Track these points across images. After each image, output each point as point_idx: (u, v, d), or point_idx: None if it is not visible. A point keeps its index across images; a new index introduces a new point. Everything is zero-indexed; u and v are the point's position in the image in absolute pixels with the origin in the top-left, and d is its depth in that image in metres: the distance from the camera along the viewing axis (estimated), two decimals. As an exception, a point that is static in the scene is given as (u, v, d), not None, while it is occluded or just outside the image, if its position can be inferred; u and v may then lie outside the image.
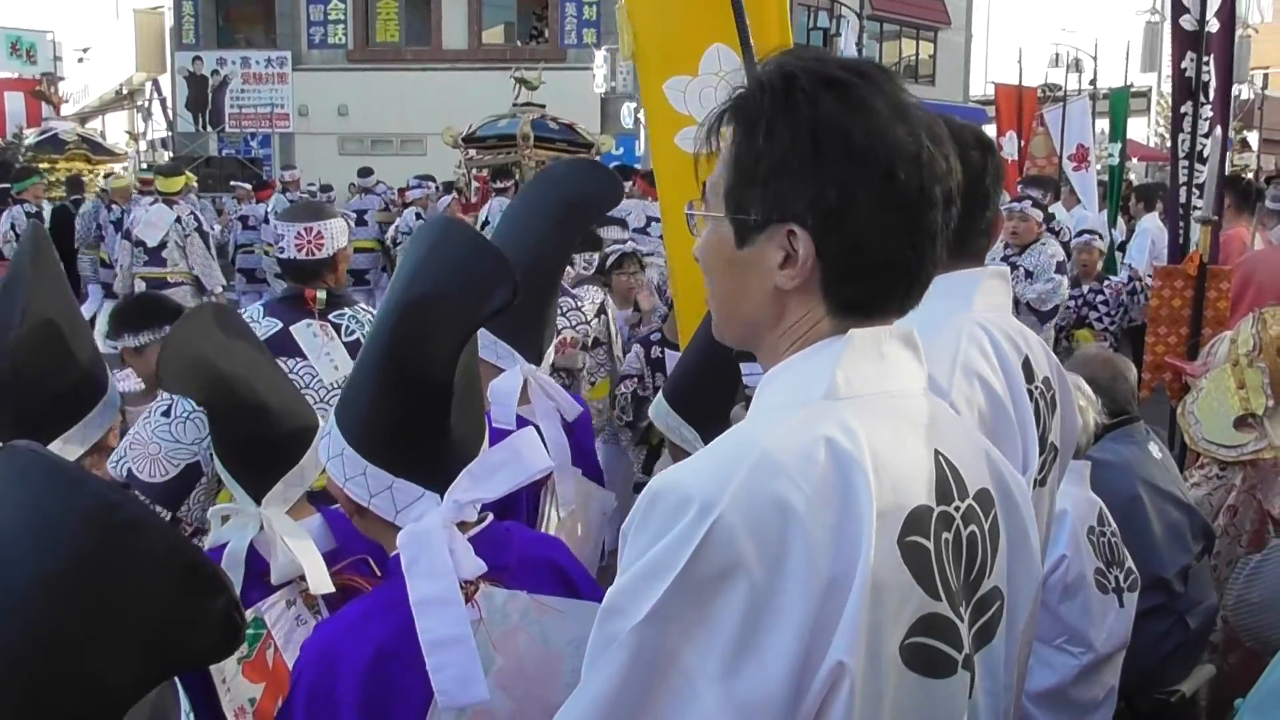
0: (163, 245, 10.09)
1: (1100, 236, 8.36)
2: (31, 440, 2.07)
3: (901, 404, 1.24)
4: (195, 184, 14.51)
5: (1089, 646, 2.97)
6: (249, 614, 2.19)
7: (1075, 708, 2.99)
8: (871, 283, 1.22)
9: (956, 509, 1.22)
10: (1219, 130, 5.36)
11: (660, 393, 2.78)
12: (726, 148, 1.24)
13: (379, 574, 2.31)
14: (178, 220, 10.19)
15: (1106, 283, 8.04)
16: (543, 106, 18.69)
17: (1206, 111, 5.32)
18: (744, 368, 2.52)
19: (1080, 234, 8.68)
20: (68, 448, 2.19)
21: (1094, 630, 2.97)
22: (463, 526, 1.72)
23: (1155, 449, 3.59)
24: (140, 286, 9.73)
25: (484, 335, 2.60)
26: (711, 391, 2.62)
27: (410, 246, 1.80)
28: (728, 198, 1.24)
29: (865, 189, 1.17)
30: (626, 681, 1.07)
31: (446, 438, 1.70)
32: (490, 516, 1.81)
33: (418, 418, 1.69)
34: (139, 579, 1.05)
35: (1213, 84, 5.28)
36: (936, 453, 1.23)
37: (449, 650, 1.59)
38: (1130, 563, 3.09)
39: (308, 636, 2.21)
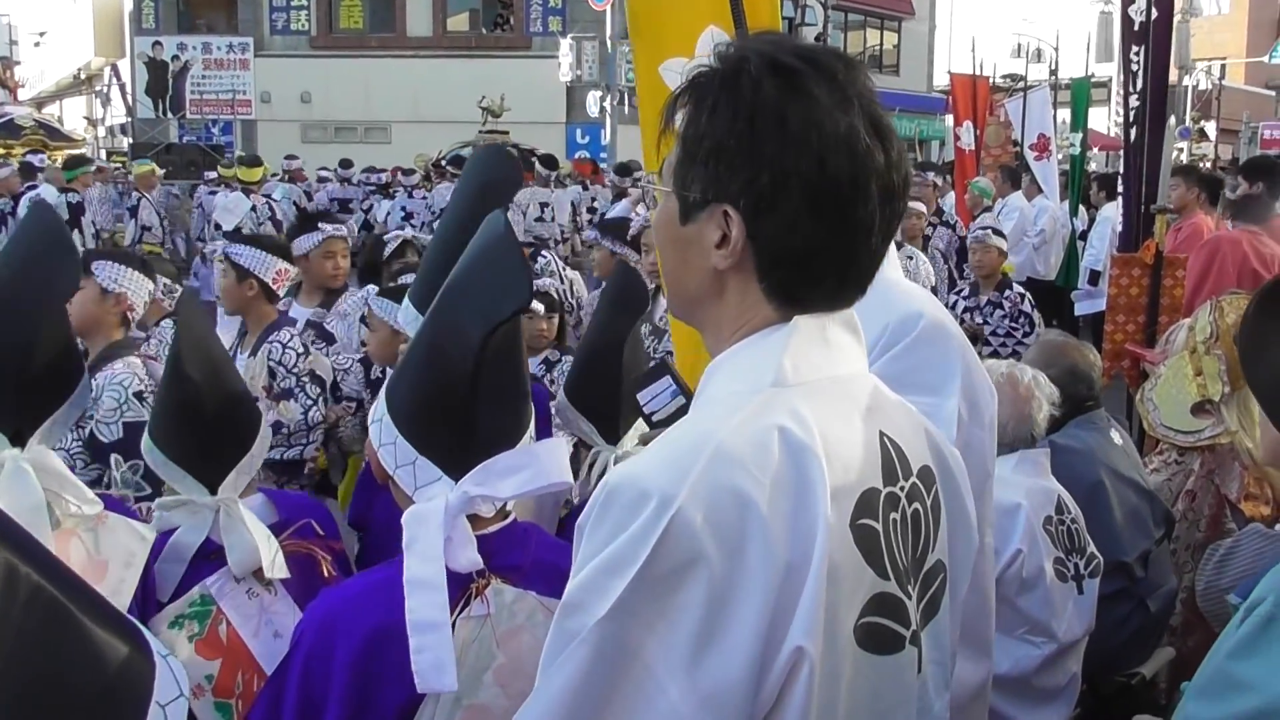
0: (237, 230, 10.52)
1: (999, 233, 6.92)
2: (27, 421, 2.12)
3: (846, 388, 1.25)
4: (275, 173, 14.85)
5: (1051, 637, 3.00)
6: (194, 592, 2.21)
7: (1038, 694, 3.03)
8: (800, 270, 1.22)
9: (901, 488, 1.25)
10: (1172, 120, 5.43)
11: (563, 387, 2.81)
12: (679, 125, 1.25)
13: (322, 533, 2.38)
14: (253, 209, 10.97)
15: (1007, 294, 6.74)
16: (506, 133, 19.08)
17: (1133, 101, 5.38)
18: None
19: (975, 230, 7.11)
20: (54, 429, 2.20)
21: (1055, 620, 2.99)
22: (481, 523, 1.75)
23: (1117, 435, 3.64)
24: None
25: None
26: (598, 386, 2.65)
27: (475, 235, 1.89)
28: (674, 174, 1.25)
29: (796, 175, 1.17)
30: (590, 677, 1.07)
31: (471, 428, 1.73)
32: (513, 516, 1.84)
33: (443, 401, 1.73)
34: None
35: (1140, 73, 5.32)
36: (881, 434, 1.25)
37: (428, 634, 1.61)
38: (1092, 548, 3.13)
39: (274, 606, 2.26)
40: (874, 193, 1.20)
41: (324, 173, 17.97)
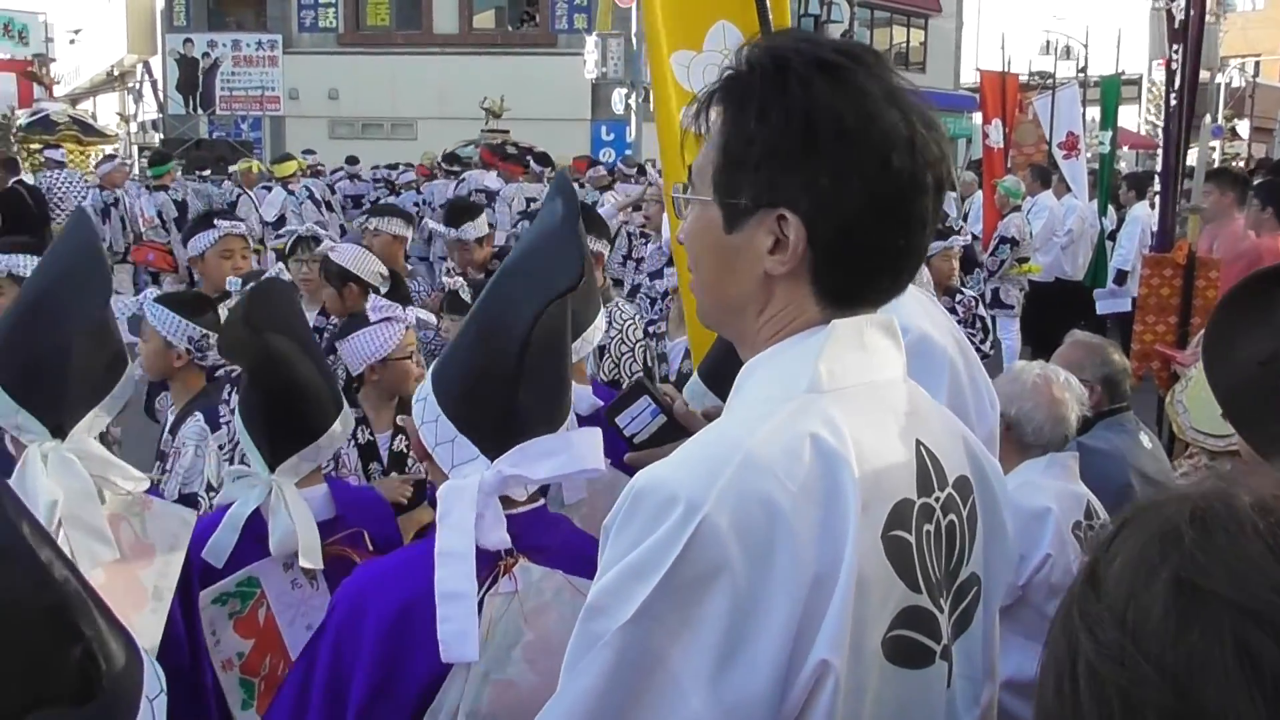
0: (281, 220, 11.69)
1: (965, 239, 6.68)
2: (67, 415, 2.17)
3: (883, 394, 1.23)
4: (306, 168, 15.57)
5: (1077, 643, 2.98)
6: (242, 573, 2.31)
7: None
8: (860, 269, 1.20)
9: (937, 499, 1.21)
10: (1207, 119, 5.43)
11: (695, 372, 2.81)
12: (715, 131, 1.22)
13: (371, 549, 2.42)
14: (291, 194, 12.65)
15: (960, 299, 6.56)
16: (506, 132, 19.48)
17: (1175, 100, 5.38)
18: None
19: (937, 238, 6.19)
20: (96, 421, 2.26)
21: (1082, 626, 2.98)
22: (512, 504, 1.78)
23: (1145, 438, 3.62)
24: (271, 256, 10.82)
25: None
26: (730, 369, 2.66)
27: (535, 222, 1.94)
28: (716, 181, 1.22)
29: (858, 174, 1.14)
30: (612, 682, 1.05)
31: (512, 410, 1.76)
32: (543, 500, 1.87)
33: (487, 381, 1.76)
34: None
35: (1179, 71, 5.31)
36: (918, 443, 1.22)
37: (453, 604, 1.64)
38: (1120, 552, 3.11)
39: (312, 600, 2.33)
40: (929, 185, 1.19)
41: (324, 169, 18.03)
